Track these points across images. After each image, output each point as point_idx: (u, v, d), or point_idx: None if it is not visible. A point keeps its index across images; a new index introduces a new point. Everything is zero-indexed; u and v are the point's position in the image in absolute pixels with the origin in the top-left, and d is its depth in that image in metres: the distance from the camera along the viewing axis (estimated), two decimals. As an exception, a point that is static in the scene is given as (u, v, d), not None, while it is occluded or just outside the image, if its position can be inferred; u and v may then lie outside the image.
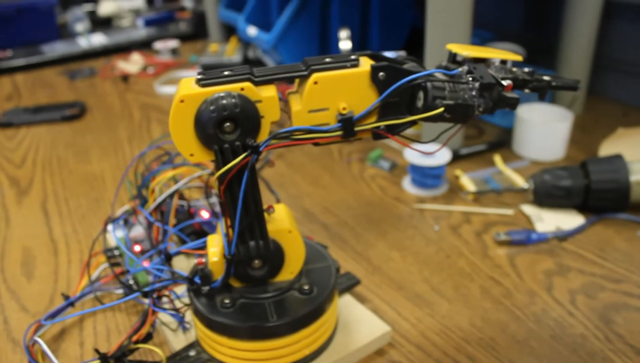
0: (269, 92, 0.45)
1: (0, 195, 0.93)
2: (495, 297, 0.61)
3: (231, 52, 1.48)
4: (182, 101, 0.43)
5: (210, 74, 0.45)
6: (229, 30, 1.69)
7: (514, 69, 0.49)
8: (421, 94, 0.45)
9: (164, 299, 0.57)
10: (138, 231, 0.69)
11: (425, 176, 0.81)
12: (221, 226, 0.49)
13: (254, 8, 1.47)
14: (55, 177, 0.98)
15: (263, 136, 0.45)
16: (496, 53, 0.49)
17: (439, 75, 0.46)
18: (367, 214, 0.79)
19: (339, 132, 0.45)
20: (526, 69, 0.49)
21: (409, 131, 1.02)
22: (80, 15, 2.01)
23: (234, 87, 0.43)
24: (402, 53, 1.01)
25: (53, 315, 0.62)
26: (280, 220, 0.51)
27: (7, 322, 0.64)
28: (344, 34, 0.98)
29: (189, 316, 0.57)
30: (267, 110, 0.45)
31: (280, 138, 0.45)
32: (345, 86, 0.45)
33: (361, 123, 0.46)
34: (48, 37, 1.92)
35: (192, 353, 0.53)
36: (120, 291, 0.64)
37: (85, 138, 1.14)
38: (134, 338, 0.53)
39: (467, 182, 0.82)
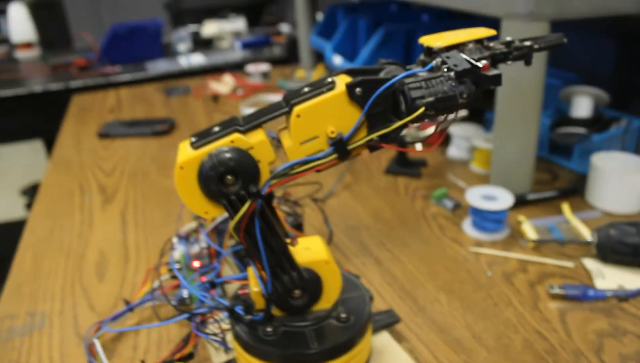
0: (258, 137, 0.47)
1: (88, 200, 1.02)
2: (537, 352, 0.60)
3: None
4: (181, 168, 0.46)
5: (201, 135, 0.48)
6: (319, 57, 1.75)
7: (492, 44, 0.48)
8: (402, 98, 0.45)
9: (211, 319, 0.60)
10: (198, 248, 0.74)
11: (486, 220, 0.80)
12: (253, 268, 0.52)
13: (342, 38, 1.51)
14: (138, 188, 1.06)
15: (265, 177, 0.47)
16: (468, 34, 0.48)
17: (421, 74, 0.46)
18: (421, 253, 0.79)
19: (334, 155, 0.47)
20: (506, 39, 0.48)
21: (478, 170, 1.01)
22: (184, 35, 2.15)
23: (225, 142, 0.46)
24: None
25: (114, 318, 0.68)
26: (318, 252, 0.53)
27: (76, 317, 0.70)
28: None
29: (229, 336, 0.60)
30: (261, 154, 0.47)
31: (279, 176, 0.47)
32: (327, 111, 0.46)
33: (353, 141, 0.47)
34: (153, 55, 2.07)
35: (228, 370, 0.56)
36: (175, 302, 0.68)
37: (170, 154, 1.22)
38: (177, 356, 0.56)
39: (529, 229, 0.81)
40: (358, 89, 0.45)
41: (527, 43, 0.49)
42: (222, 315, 0.61)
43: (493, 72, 0.45)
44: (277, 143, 0.49)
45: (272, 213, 0.52)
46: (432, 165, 1.06)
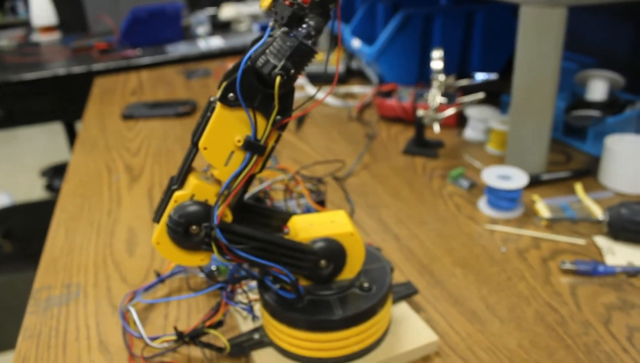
0: (192, 185, 0.50)
1: (116, 179, 1.06)
2: (548, 323, 0.63)
3: (335, 62, 1.55)
4: (158, 244, 0.51)
5: (157, 209, 0.52)
6: (337, 40, 1.76)
7: None
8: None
9: (239, 290, 0.64)
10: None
11: (500, 199, 0.83)
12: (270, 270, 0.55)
13: (360, 21, 1.53)
14: (163, 167, 1.09)
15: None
16: None
17: (269, 39, 0.45)
18: (438, 230, 0.82)
19: (255, 156, 0.49)
20: None
21: (494, 151, 1.04)
22: (202, 18, 2.17)
23: (171, 205, 0.50)
24: (493, 76, 1.03)
25: (146, 289, 0.72)
26: (343, 224, 0.56)
27: (109, 289, 0.74)
28: (436, 54, 1.02)
29: (257, 306, 0.64)
30: (204, 194, 0.50)
31: (224, 199, 0.50)
32: (222, 128, 0.48)
33: (261, 135, 0.49)
34: (173, 38, 2.10)
35: (256, 336, 0.60)
36: (204, 275, 0.72)
37: (193, 134, 1.25)
38: (207, 323, 0.60)
39: (543, 208, 0.83)
40: (230, 95, 0.46)
41: None
42: (250, 286, 0.65)
43: None
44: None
45: (257, 214, 0.57)
46: (449, 146, 1.09)
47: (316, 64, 1.57)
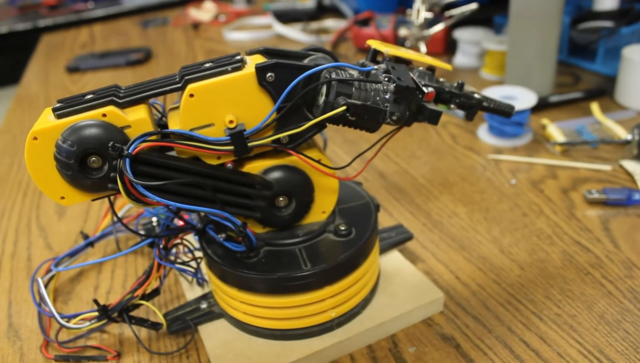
0: (138, 115, 0.36)
1: (53, 135, 0.90)
2: (580, 266, 0.49)
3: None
4: (35, 139, 0.35)
5: (70, 101, 0.36)
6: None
7: (441, 80, 0.43)
8: (324, 89, 0.37)
9: (183, 248, 0.49)
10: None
11: (505, 123, 0.69)
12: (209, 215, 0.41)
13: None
14: (107, 118, 0.94)
15: None
16: (424, 58, 0.42)
17: (352, 72, 0.38)
18: (432, 164, 0.68)
19: (230, 148, 0.37)
20: (458, 82, 0.43)
21: (491, 76, 0.89)
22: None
23: (95, 114, 0.35)
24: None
25: (71, 256, 0.57)
26: (307, 149, 0.42)
27: (30, 258, 0.60)
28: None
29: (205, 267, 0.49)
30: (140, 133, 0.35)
31: (152, 140, 0.35)
32: (229, 95, 0.37)
33: (256, 137, 0.38)
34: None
35: (203, 305, 0.46)
36: (143, 232, 0.57)
37: (145, 82, 1.09)
38: (137, 292, 0.45)
39: (555, 132, 0.69)
40: (270, 74, 0.37)
41: (478, 96, 0.44)
42: (197, 241, 0.50)
43: (434, 106, 0.38)
44: (163, 120, 0.41)
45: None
46: (438, 74, 0.94)
47: (283, 1, 1.40)
